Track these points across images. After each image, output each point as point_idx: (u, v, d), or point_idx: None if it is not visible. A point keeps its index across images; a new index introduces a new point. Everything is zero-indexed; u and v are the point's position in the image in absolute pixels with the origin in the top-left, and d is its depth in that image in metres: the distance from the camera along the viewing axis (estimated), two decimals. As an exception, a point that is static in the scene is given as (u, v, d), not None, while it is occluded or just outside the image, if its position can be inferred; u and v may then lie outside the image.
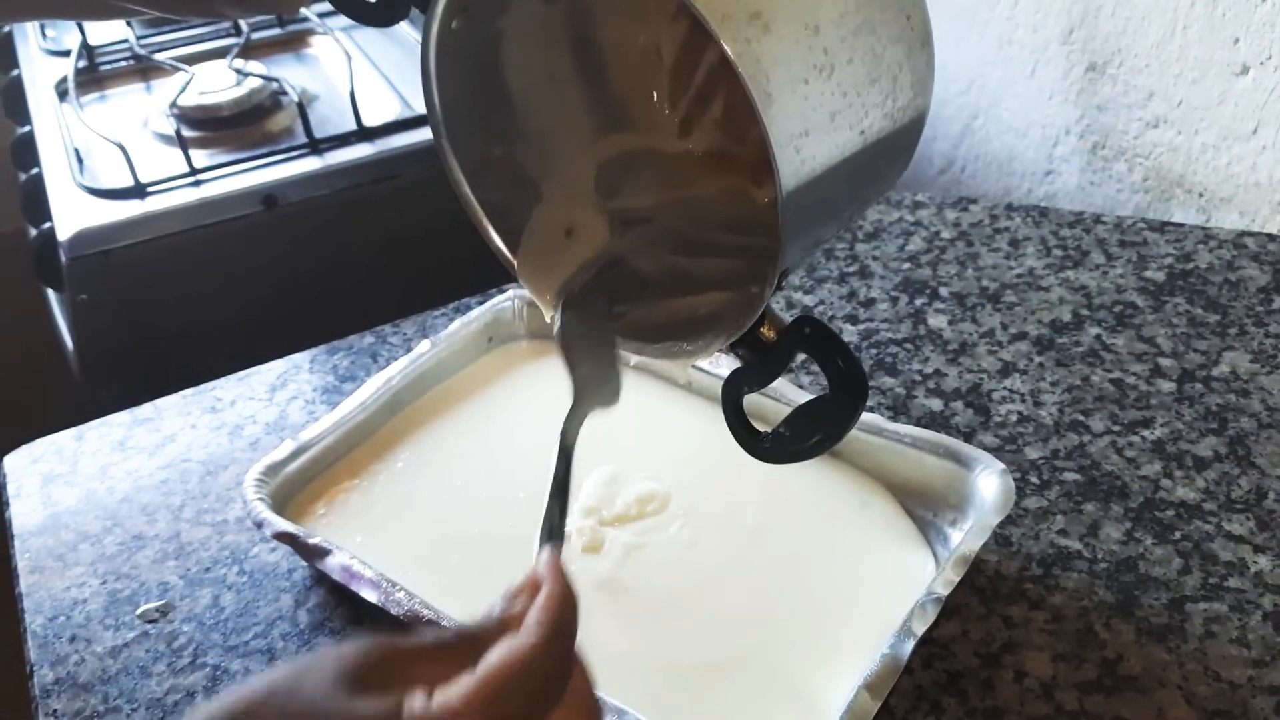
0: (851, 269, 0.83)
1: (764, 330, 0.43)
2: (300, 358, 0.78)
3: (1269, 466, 0.63)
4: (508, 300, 0.75)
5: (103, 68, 1.16)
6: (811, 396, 0.46)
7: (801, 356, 0.44)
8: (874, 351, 0.74)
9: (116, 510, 0.66)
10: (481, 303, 0.75)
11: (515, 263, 0.48)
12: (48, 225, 0.91)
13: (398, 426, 0.67)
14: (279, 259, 0.96)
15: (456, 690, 0.34)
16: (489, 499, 0.63)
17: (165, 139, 1.01)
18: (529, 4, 0.45)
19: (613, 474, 0.63)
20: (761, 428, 0.45)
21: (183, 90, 1.03)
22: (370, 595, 0.53)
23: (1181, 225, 0.85)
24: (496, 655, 0.36)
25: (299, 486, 0.63)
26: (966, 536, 0.54)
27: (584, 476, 0.63)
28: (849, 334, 0.76)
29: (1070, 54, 0.94)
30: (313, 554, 0.56)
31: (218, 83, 1.05)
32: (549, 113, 0.47)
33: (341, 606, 0.59)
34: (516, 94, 0.47)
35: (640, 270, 0.48)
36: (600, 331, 0.47)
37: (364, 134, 0.98)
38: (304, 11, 1.17)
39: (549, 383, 0.71)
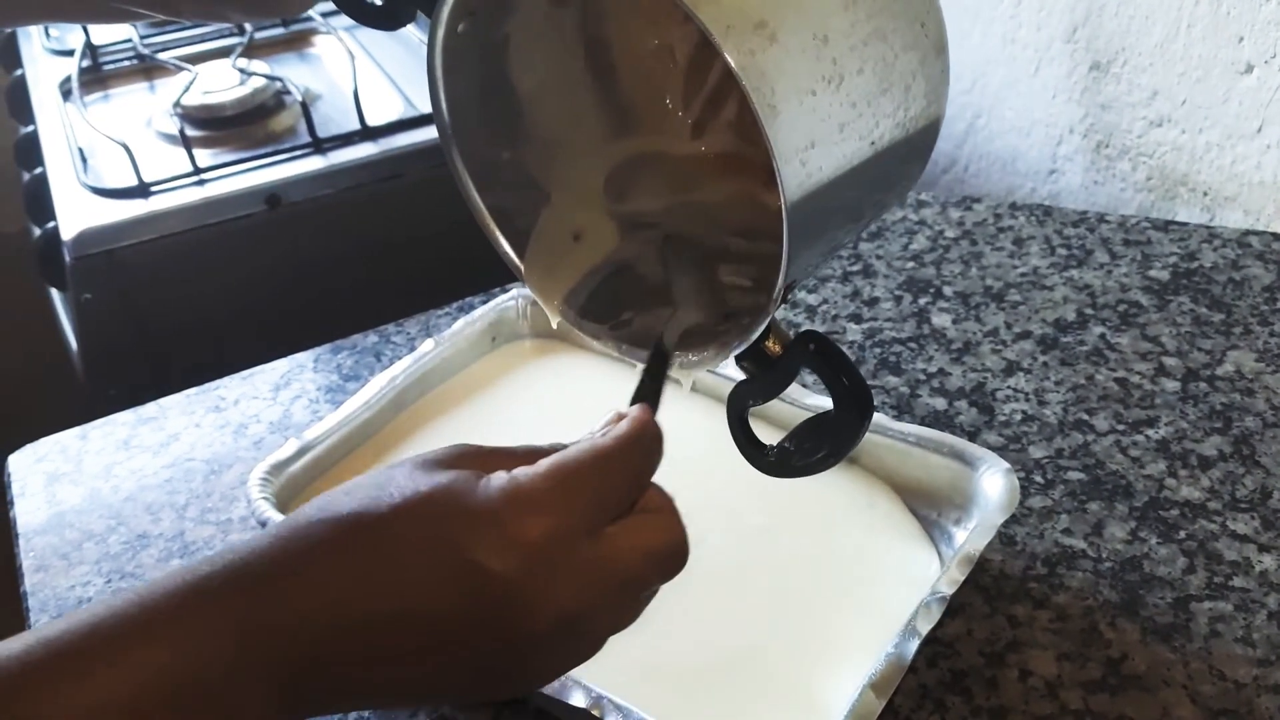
0: (855, 268, 0.83)
1: (769, 344, 0.43)
2: (304, 357, 0.78)
3: (1274, 466, 0.63)
4: (511, 299, 0.75)
5: (106, 67, 1.16)
6: (816, 396, 0.46)
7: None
8: (878, 351, 0.74)
9: (121, 509, 0.66)
10: (485, 302, 0.75)
11: (522, 267, 0.48)
12: (52, 225, 0.91)
13: (401, 425, 0.67)
14: (282, 258, 0.96)
15: (531, 469, 0.36)
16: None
17: (169, 138, 1.01)
18: (537, 6, 0.45)
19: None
20: (768, 435, 0.45)
21: (186, 90, 1.03)
22: (374, 594, 0.53)
23: (1186, 224, 0.85)
24: (575, 447, 0.38)
25: (303, 485, 0.63)
26: (971, 536, 0.54)
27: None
28: (853, 333, 0.76)
29: (1074, 53, 0.94)
30: (317, 553, 0.56)
31: (221, 82, 1.05)
32: (557, 116, 0.47)
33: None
34: (524, 97, 0.47)
35: (648, 277, 0.48)
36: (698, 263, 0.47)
37: (367, 133, 0.98)
38: (307, 10, 1.17)
39: (553, 382, 0.71)
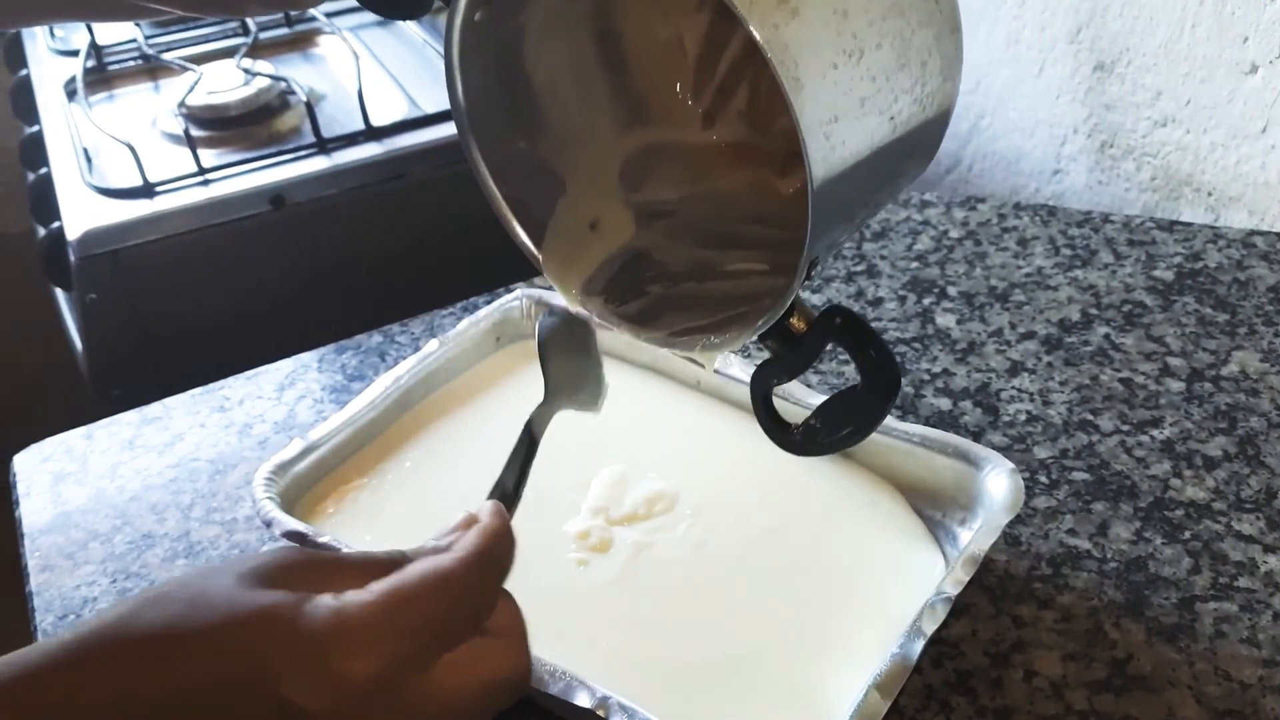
0: (859, 268, 0.83)
1: (793, 321, 0.43)
2: (308, 357, 0.78)
3: (1279, 466, 0.63)
4: (516, 300, 0.75)
5: (111, 67, 1.16)
6: (820, 396, 0.46)
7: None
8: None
9: (126, 509, 0.67)
10: (489, 302, 0.75)
11: (540, 257, 0.48)
12: (56, 225, 0.91)
13: (406, 425, 0.67)
14: (287, 258, 0.96)
15: (362, 594, 0.33)
16: (497, 498, 0.63)
17: (173, 138, 1.01)
18: None
19: (621, 473, 0.63)
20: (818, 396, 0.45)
21: (191, 90, 1.04)
22: (379, 594, 0.53)
23: (1190, 224, 0.85)
24: (414, 567, 0.34)
25: (308, 485, 0.63)
26: (976, 536, 0.54)
27: (592, 476, 0.63)
28: (857, 333, 0.76)
29: (1078, 53, 0.94)
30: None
31: (226, 82, 1.05)
32: (572, 106, 0.47)
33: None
34: (540, 87, 0.47)
35: (666, 264, 0.48)
36: (578, 336, 0.48)
37: (372, 133, 0.98)
38: (311, 11, 1.17)
39: (557, 382, 0.71)
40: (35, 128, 1.06)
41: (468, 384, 0.71)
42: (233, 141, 1.02)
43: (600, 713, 0.47)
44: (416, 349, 0.71)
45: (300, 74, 1.11)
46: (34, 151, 1.04)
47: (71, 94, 1.08)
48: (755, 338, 0.43)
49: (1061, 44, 0.95)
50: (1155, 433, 0.66)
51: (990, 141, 1.07)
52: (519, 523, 0.60)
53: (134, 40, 1.17)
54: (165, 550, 0.63)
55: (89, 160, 0.97)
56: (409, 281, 0.98)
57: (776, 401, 0.45)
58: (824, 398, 0.46)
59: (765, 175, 0.46)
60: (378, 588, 0.34)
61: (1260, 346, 0.72)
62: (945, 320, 0.77)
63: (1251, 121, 0.82)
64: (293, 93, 1.06)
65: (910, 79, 0.38)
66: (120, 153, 0.95)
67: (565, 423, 0.69)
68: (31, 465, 0.71)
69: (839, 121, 0.35)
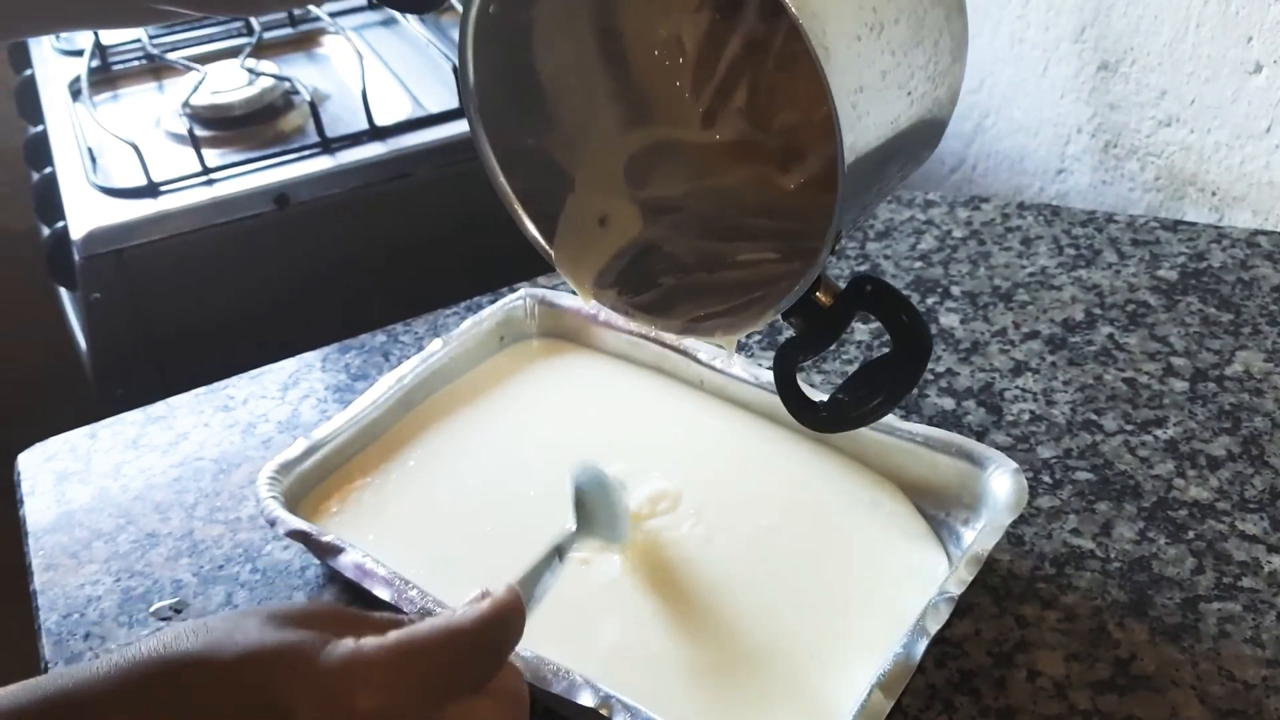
0: (863, 268, 0.83)
1: (819, 295, 0.43)
2: (312, 356, 0.78)
3: (1283, 466, 0.63)
4: (519, 299, 0.75)
5: (115, 67, 1.16)
6: (823, 395, 0.46)
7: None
8: (885, 351, 0.74)
9: (130, 508, 0.67)
10: (493, 301, 0.75)
11: (551, 251, 0.48)
12: (61, 224, 0.92)
13: (409, 425, 0.68)
14: (291, 258, 0.96)
15: (379, 639, 0.36)
16: (501, 497, 0.63)
17: (178, 138, 1.01)
18: None
19: (625, 473, 0.63)
20: (816, 397, 0.45)
21: (195, 90, 1.04)
22: (383, 593, 0.53)
23: (1194, 224, 0.85)
24: (429, 620, 0.37)
25: (311, 484, 0.63)
26: (979, 536, 0.54)
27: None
28: (860, 333, 0.76)
29: (1082, 52, 0.94)
30: (325, 552, 0.56)
31: (230, 82, 1.05)
32: (578, 102, 0.48)
33: (354, 604, 0.59)
34: (547, 83, 0.47)
35: (676, 256, 0.48)
36: (608, 486, 0.56)
37: (376, 133, 0.98)
38: (315, 11, 1.17)
39: (560, 381, 0.72)
40: (40, 127, 1.06)
41: (471, 383, 0.71)
42: (237, 141, 1.02)
43: (603, 712, 0.47)
44: (420, 348, 0.71)
45: (304, 74, 1.11)
46: (38, 151, 1.04)
47: (76, 94, 1.09)
48: (779, 315, 0.43)
49: (1066, 43, 0.95)
50: (1159, 432, 0.66)
51: (994, 141, 1.06)
52: (522, 519, 0.60)
53: (138, 40, 1.17)
54: (169, 550, 0.63)
55: (93, 160, 0.97)
56: (413, 281, 0.98)
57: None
58: (825, 396, 0.45)
59: (766, 171, 0.47)
60: (393, 635, 0.36)
61: (1264, 346, 0.72)
62: (949, 320, 0.76)
63: (1256, 121, 0.82)
64: (297, 92, 1.06)
65: (924, 56, 0.39)
66: (124, 152, 0.95)
67: (567, 422, 0.69)
68: (35, 464, 0.71)
69: (864, 92, 0.36)
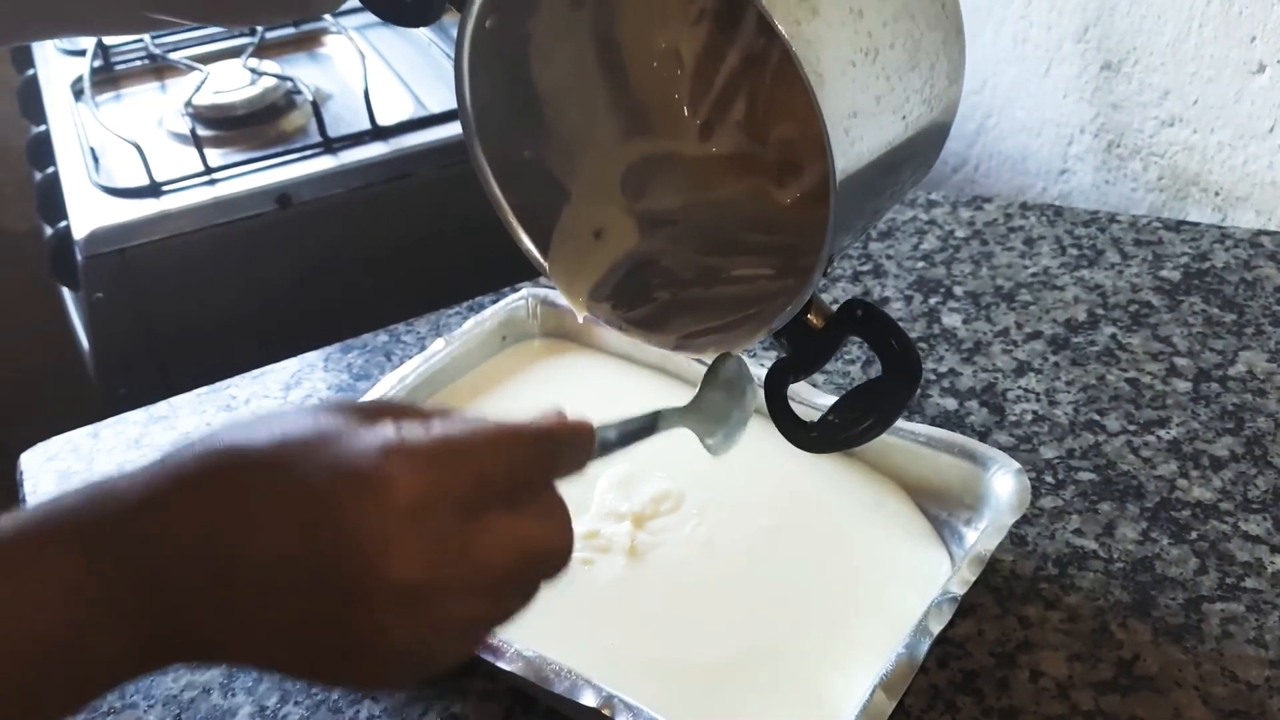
0: (865, 268, 0.83)
1: (810, 317, 0.43)
2: (314, 356, 0.78)
3: (1286, 466, 0.63)
4: (521, 299, 0.75)
5: (118, 67, 1.16)
6: (826, 395, 0.46)
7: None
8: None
9: (132, 508, 0.67)
10: (495, 301, 0.75)
11: (546, 265, 0.48)
12: (63, 224, 0.92)
13: (412, 425, 0.67)
14: (293, 258, 0.96)
15: (422, 428, 0.34)
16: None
17: (180, 138, 1.01)
18: (557, 6, 0.45)
19: (627, 472, 0.63)
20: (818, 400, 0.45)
21: (197, 89, 1.04)
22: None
23: (1197, 224, 0.84)
24: (482, 420, 0.35)
25: (314, 484, 0.63)
26: (982, 536, 0.54)
27: (598, 475, 0.63)
28: (863, 333, 0.76)
29: (1085, 52, 0.94)
30: (328, 551, 0.56)
31: (232, 82, 1.05)
32: (575, 115, 0.48)
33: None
34: (544, 96, 0.47)
35: (672, 270, 0.48)
36: (748, 389, 0.48)
37: (378, 133, 0.98)
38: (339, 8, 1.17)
39: (562, 381, 0.71)
40: (42, 127, 1.06)
41: (473, 383, 0.71)
42: (239, 141, 1.02)
43: (606, 712, 0.47)
44: (422, 348, 0.71)
45: (306, 74, 1.11)
46: (41, 151, 1.04)
47: (78, 93, 1.09)
48: (770, 336, 0.43)
49: (1068, 43, 0.95)
50: (1162, 433, 0.66)
51: (997, 141, 1.06)
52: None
53: (140, 40, 1.17)
54: (171, 549, 0.63)
55: (96, 160, 0.97)
56: (414, 280, 0.98)
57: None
58: (831, 396, 0.45)
59: (763, 185, 0.46)
60: (439, 425, 0.34)
61: (1267, 346, 0.72)
62: (951, 320, 0.76)
63: (1259, 121, 0.82)
64: (299, 92, 1.06)
65: (920, 80, 0.39)
66: (127, 152, 0.95)
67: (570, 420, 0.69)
68: (38, 464, 0.71)
69: (858, 117, 0.36)
